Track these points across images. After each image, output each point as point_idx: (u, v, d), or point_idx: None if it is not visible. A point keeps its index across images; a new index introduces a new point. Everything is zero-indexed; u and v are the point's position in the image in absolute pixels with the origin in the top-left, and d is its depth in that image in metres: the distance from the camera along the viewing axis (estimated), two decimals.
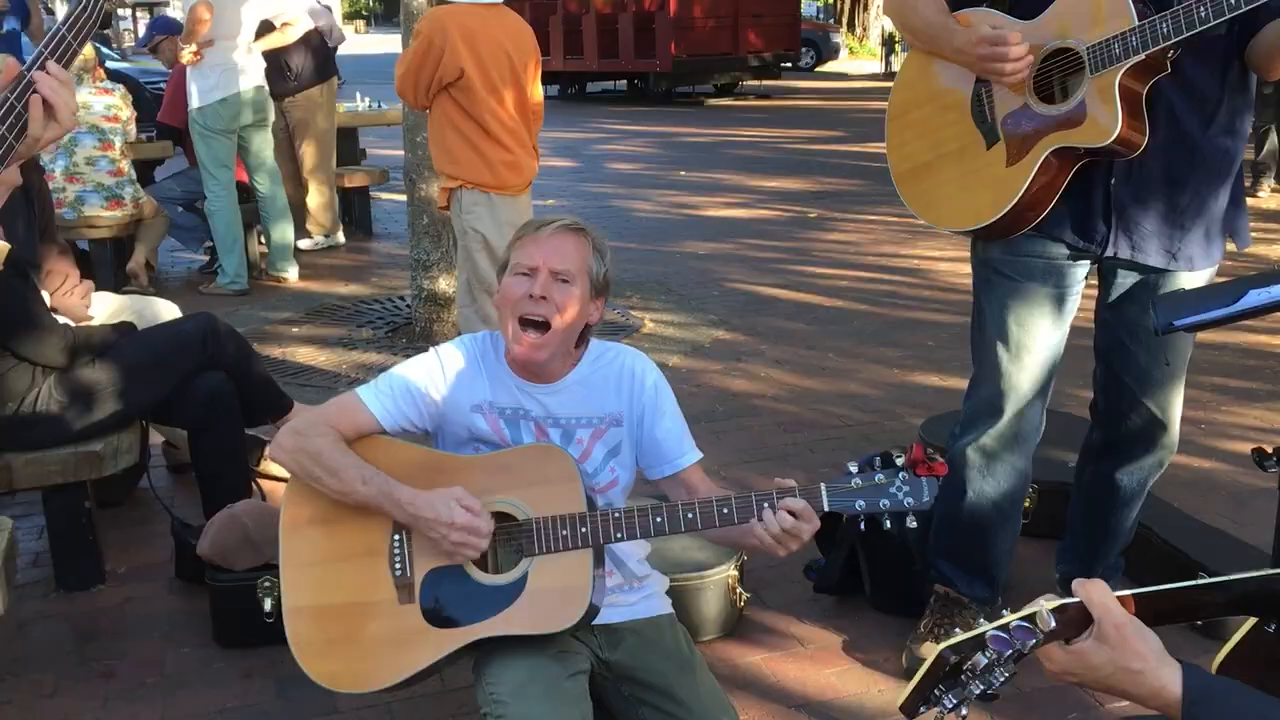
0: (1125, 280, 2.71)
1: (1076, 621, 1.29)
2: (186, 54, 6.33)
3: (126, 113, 6.54)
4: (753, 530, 2.08)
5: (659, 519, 2.12)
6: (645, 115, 16.46)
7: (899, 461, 2.05)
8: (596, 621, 2.22)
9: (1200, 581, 1.41)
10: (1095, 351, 2.87)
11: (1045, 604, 1.28)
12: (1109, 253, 2.63)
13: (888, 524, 2.07)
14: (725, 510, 2.09)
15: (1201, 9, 2.29)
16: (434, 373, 2.30)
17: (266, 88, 6.70)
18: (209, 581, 3.08)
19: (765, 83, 20.57)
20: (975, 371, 2.87)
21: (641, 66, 18.75)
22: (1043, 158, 2.52)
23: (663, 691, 2.28)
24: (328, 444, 2.20)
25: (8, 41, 7.71)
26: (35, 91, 1.48)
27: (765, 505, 2.06)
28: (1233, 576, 1.45)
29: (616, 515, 2.14)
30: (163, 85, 8.04)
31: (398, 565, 2.20)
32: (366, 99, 8.92)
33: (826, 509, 2.07)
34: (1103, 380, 2.88)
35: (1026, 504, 3.54)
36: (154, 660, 3.03)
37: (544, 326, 2.22)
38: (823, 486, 2.06)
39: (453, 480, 2.20)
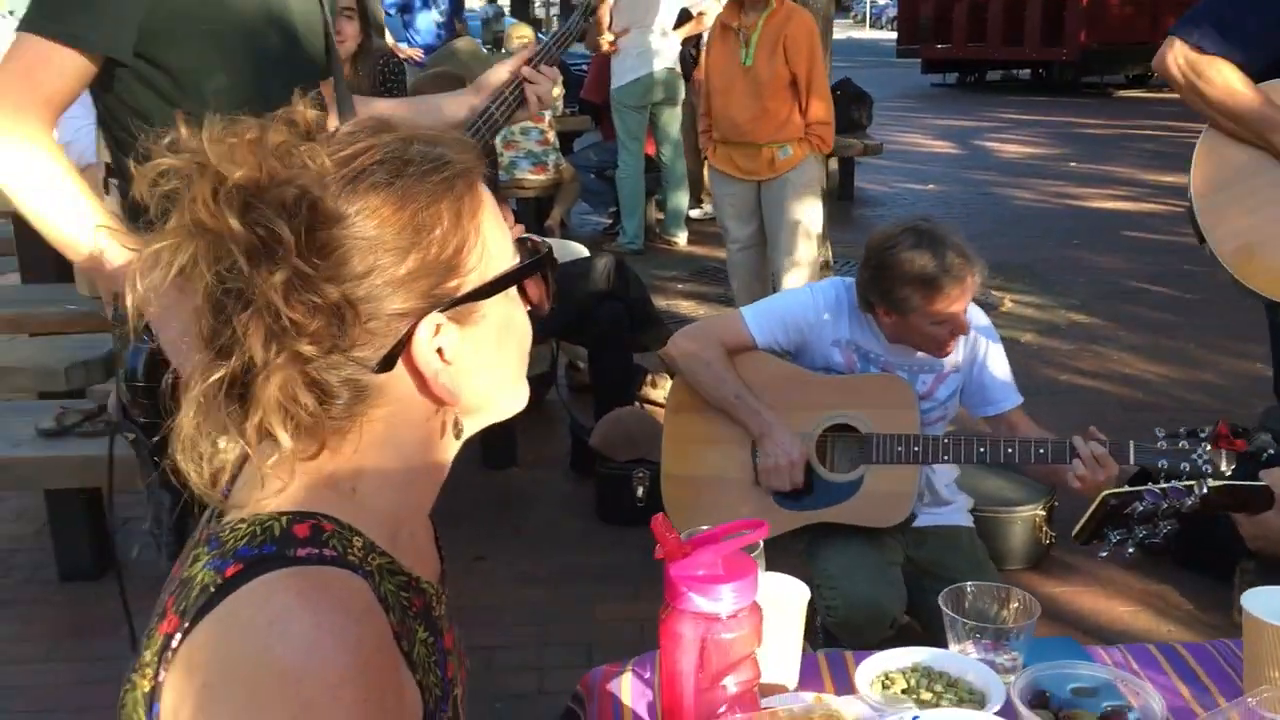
0: None
1: (1253, 499, 1.60)
2: (604, 43, 7.22)
3: (556, 90, 7.52)
4: (1060, 470, 2.41)
5: (982, 449, 2.48)
6: (1044, 105, 16.04)
7: (1203, 434, 2.28)
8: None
9: None
10: None
11: (1212, 481, 1.60)
12: None
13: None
14: (1041, 450, 2.42)
15: None
16: (807, 307, 2.74)
17: (678, 68, 7.45)
18: (596, 469, 3.79)
19: None
20: None
21: (1047, 55, 18.10)
22: None
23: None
24: (716, 356, 2.70)
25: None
26: (528, 83, 2.09)
27: (1076, 452, 2.36)
28: None
29: (945, 440, 2.53)
30: (584, 66, 9.05)
31: (758, 454, 2.72)
32: None
33: (1133, 463, 2.36)
34: None
35: None
36: (551, 525, 3.80)
37: None
38: (1131, 443, 2.34)
39: (807, 391, 2.67)
